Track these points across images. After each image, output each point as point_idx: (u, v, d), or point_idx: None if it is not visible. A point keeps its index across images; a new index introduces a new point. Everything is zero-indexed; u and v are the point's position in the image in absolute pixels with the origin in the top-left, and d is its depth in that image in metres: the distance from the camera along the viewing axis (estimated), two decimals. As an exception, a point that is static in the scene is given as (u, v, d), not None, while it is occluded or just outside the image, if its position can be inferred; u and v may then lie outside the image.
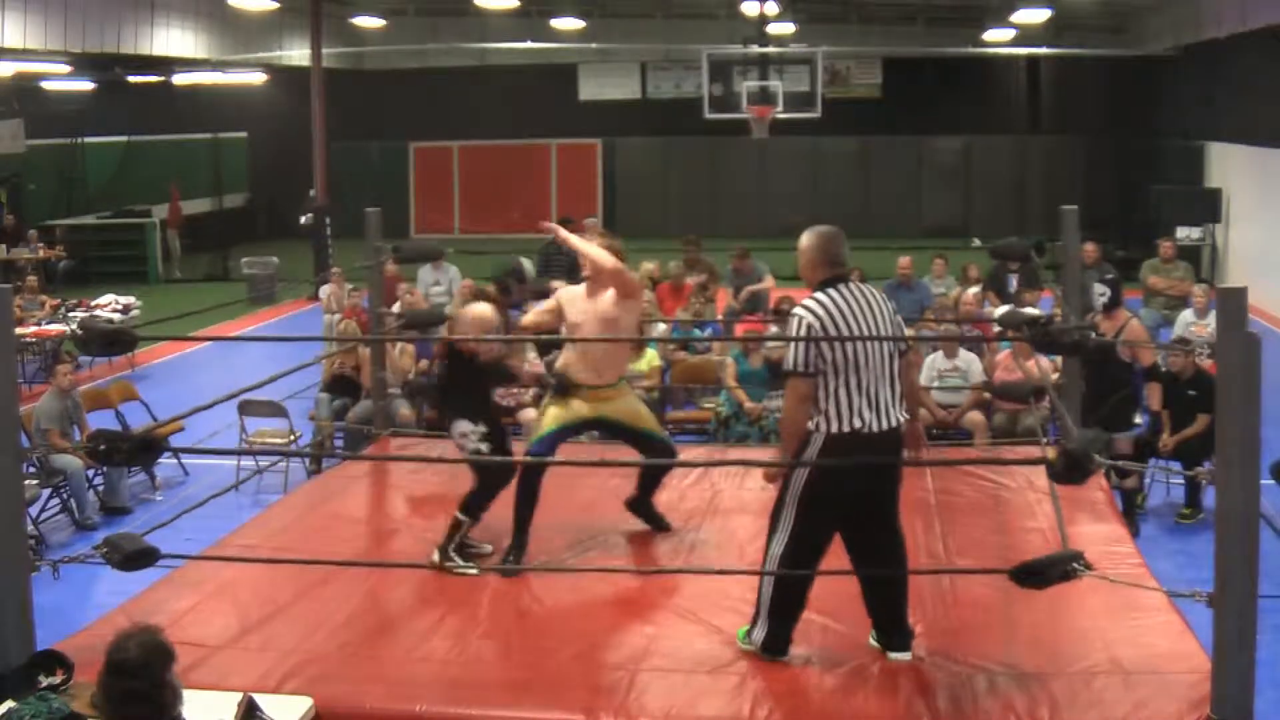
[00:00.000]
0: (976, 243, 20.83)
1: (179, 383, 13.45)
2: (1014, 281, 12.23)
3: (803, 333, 4.76)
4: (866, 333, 4.74)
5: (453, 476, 7.48)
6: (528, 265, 7.62)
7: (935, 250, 14.36)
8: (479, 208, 27.41)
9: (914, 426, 5.09)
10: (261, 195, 28.16)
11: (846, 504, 4.85)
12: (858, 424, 4.72)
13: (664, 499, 6.85)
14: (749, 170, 26.44)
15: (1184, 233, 18.70)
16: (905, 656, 4.93)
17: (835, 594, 5.33)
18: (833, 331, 4.73)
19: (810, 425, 4.79)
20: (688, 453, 7.79)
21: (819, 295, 4.84)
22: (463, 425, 6.05)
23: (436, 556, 5.93)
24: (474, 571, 5.91)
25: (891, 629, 4.99)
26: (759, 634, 4.98)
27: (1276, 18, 15.92)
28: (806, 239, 5.01)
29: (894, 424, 4.80)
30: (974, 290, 12.51)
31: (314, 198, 20.93)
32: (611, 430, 6.50)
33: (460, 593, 5.68)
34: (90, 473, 9.35)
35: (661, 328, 11.82)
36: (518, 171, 27.58)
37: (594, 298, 6.23)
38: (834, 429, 4.73)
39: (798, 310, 4.86)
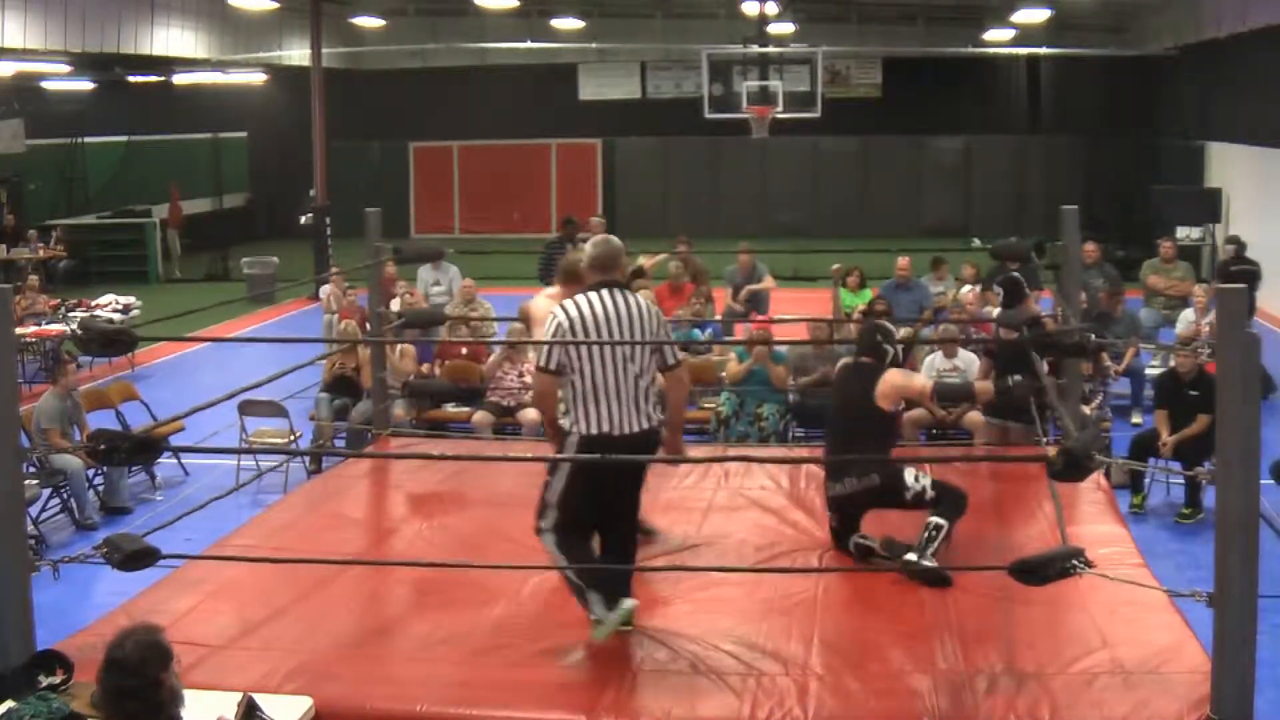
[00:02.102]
0: (976, 243, 20.82)
1: (179, 383, 13.45)
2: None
3: (552, 331, 5.04)
4: (601, 334, 4.95)
5: (453, 476, 7.50)
6: None
7: (935, 250, 14.36)
8: (479, 208, 27.41)
9: (673, 438, 5.40)
10: (261, 195, 28.17)
11: (598, 503, 5.13)
12: (605, 427, 4.97)
13: (664, 499, 6.86)
14: (749, 170, 26.44)
15: (1184, 233, 18.70)
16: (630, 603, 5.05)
17: (837, 594, 5.34)
18: (579, 334, 4.96)
19: (567, 425, 5.03)
20: (691, 451, 7.78)
21: (578, 298, 5.08)
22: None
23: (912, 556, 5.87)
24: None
25: (614, 587, 5.11)
26: (599, 610, 5.06)
27: (1276, 17, 15.92)
28: (588, 247, 5.28)
29: (642, 428, 5.00)
30: (968, 288, 12.51)
31: (314, 198, 20.93)
32: None
33: (460, 593, 5.67)
34: (90, 473, 9.35)
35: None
36: (518, 171, 27.58)
37: None
38: (584, 430, 5.00)
39: (554, 309, 5.13)
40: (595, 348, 4.94)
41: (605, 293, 5.07)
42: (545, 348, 5.04)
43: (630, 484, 5.25)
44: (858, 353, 6.40)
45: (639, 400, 5.01)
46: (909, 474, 5.94)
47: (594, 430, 4.99)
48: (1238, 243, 13.94)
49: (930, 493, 5.91)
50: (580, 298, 5.08)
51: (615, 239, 5.29)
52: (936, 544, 5.76)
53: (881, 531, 6.09)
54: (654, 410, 5.09)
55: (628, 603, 5.02)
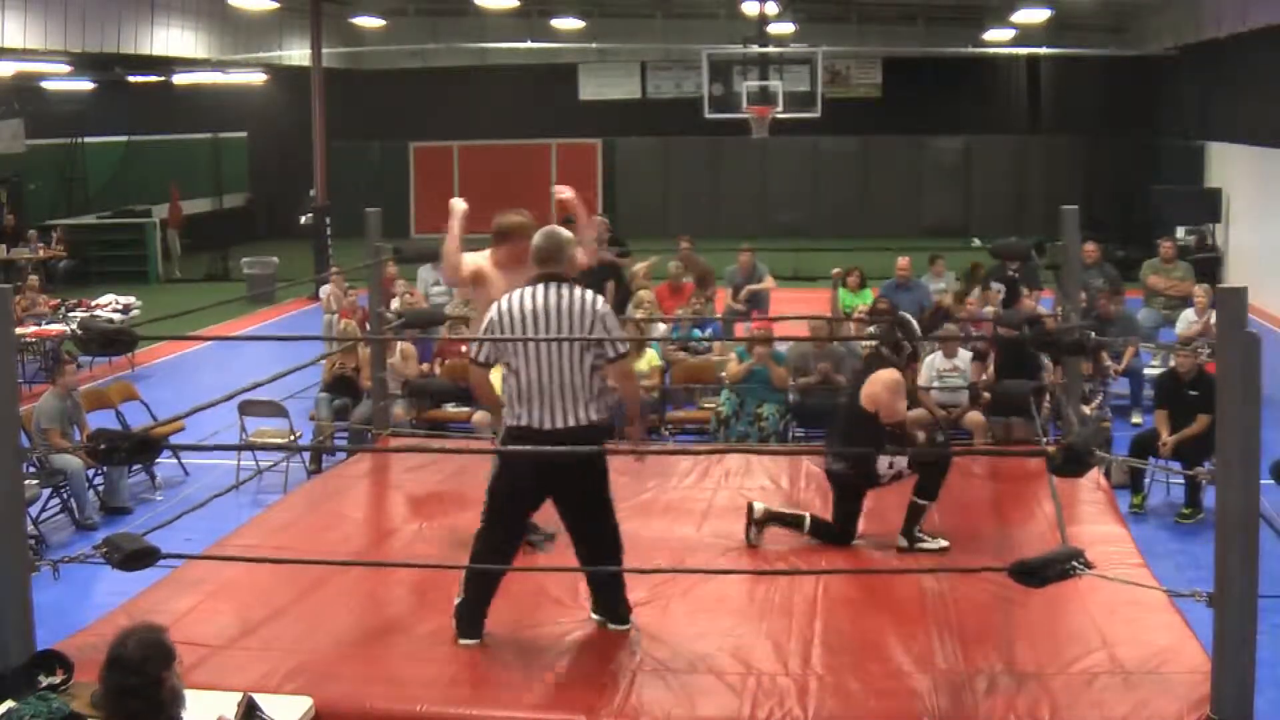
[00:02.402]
0: (976, 243, 20.82)
1: (179, 383, 13.45)
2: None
3: (485, 326, 5.17)
4: (536, 330, 4.96)
5: (453, 476, 7.50)
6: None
7: (935, 250, 14.36)
8: (479, 208, 27.03)
9: (631, 431, 5.50)
10: (261, 195, 28.16)
11: (528, 498, 5.19)
12: (526, 420, 5.01)
13: (664, 500, 6.86)
14: (749, 170, 26.43)
15: (1184, 232, 18.70)
16: (624, 628, 5.22)
17: (838, 594, 5.34)
18: (508, 329, 5.00)
19: (505, 415, 5.14)
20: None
21: (516, 292, 5.10)
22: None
23: (904, 542, 6.14)
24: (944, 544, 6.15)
25: (609, 605, 5.28)
26: (460, 625, 5.17)
27: (1276, 17, 15.92)
28: (535, 238, 5.28)
29: (571, 424, 4.97)
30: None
31: (314, 198, 20.93)
32: None
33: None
34: (90, 473, 9.35)
35: (661, 328, 11.82)
36: (518, 171, 27.53)
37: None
38: (510, 422, 5.07)
39: (493, 304, 5.21)
40: (526, 343, 4.96)
41: (542, 287, 5.05)
42: (478, 342, 5.18)
43: (567, 481, 5.11)
44: (879, 345, 6.50)
45: (570, 396, 4.96)
46: (883, 462, 6.12)
47: (520, 424, 5.02)
48: (1201, 233, 13.96)
49: (907, 472, 6.15)
50: (518, 292, 5.09)
51: (561, 230, 5.23)
52: (919, 521, 6.14)
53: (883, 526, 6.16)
54: (593, 406, 5.01)
55: (468, 642, 5.13)
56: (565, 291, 5.03)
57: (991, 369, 10.08)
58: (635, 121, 27.67)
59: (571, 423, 4.98)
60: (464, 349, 11.33)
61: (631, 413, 5.45)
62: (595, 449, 5.05)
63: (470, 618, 5.17)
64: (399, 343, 9.93)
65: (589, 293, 5.05)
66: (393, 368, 9.41)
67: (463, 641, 5.15)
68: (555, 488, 5.16)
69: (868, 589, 5.66)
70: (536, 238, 5.21)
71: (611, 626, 5.26)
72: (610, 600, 5.30)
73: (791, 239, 22.54)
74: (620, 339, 5.06)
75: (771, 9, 21.02)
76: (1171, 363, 11.56)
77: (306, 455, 10.18)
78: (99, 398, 10.70)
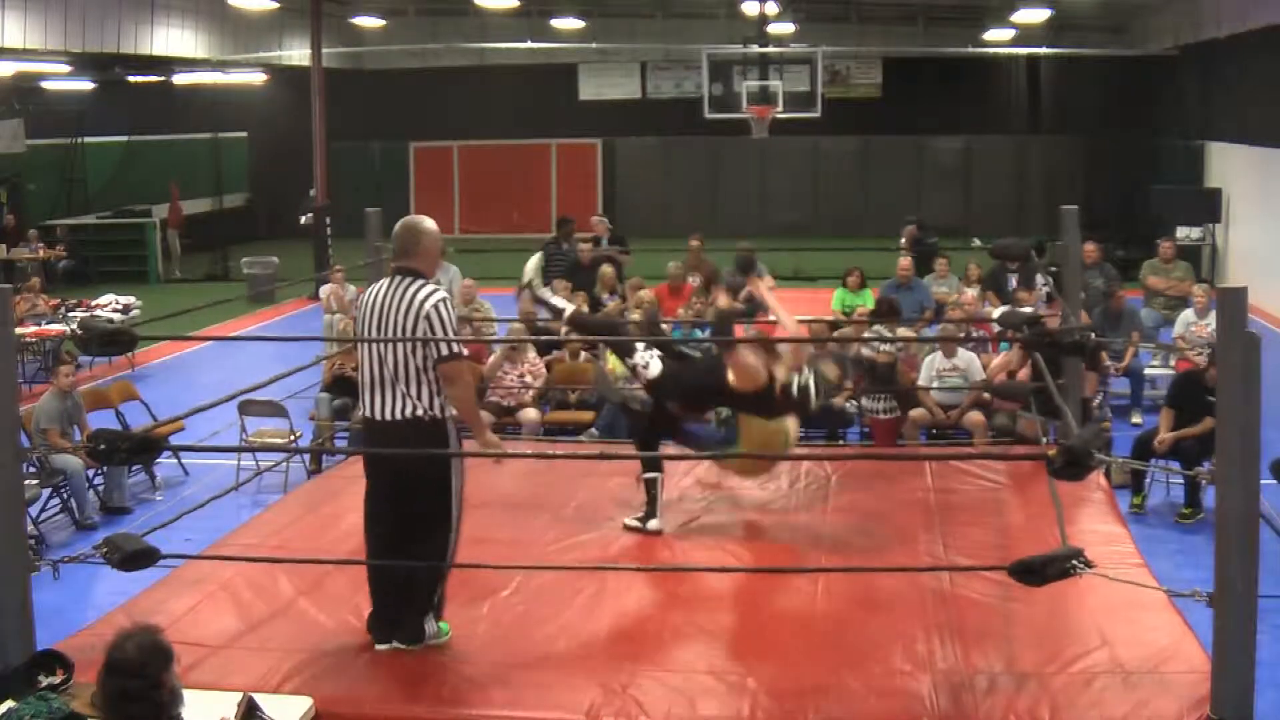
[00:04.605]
0: (976, 243, 20.82)
1: (179, 383, 13.45)
2: (1013, 281, 12.23)
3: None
4: (375, 330, 5.02)
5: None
6: None
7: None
8: (479, 208, 27.39)
9: (475, 433, 5.39)
10: (261, 195, 28.15)
11: (369, 487, 5.20)
12: (362, 411, 5.16)
13: (664, 500, 6.85)
14: (749, 170, 26.44)
15: (1184, 233, 18.69)
16: (386, 648, 5.10)
17: (838, 598, 5.33)
18: (359, 321, 5.14)
19: None
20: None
21: (374, 285, 5.22)
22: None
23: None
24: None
25: (382, 618, 5.15)
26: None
27: (1276, 17, 15.92)
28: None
29: (394, 417, 5.01)
30: (972, 291, 12.51)
31: (314, 198, 20.92)
32: None
33: (460, 592, 5.67)
34: (90, 473, 9.34)
35: (661, 328, 11.79)
36: (518, 171, 27.58)
37: None
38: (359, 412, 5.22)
39: None
40: (365, 337, 5.08)
41: (388, 282, 5.12)
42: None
43: (395, 477, 5.08)
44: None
45: (396, 390, 4.99)
46: None
47: (364, 413, 5.16)
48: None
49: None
50: (374, 285, 5.21)
51: (418, 222, 5.22)
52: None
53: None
54: (421, 403, 4.98)
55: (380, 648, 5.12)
56: (405, 286, 5.04)
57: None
58: (635, 121, 27.67)
59: (395, 416, 5.00)
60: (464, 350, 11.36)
61: (466, 418, 5.28)
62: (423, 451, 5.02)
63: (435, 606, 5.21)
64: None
65: (427, 289, 5.03)
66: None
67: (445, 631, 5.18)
68: (387, 482, 5.11)
69: (868, 589, 5.65)
70: (395, 229, 5.21)
71: (397, 645, 5.09)
72: (382, 608, 5.15)
73: (791, 239, 22.57)
74: (448, 340, 4.99)
75: (771, 9, 21.02)
76: (1173, 362, 11.58)
77: (306, 455, 10.18)
78: (99, 398, 10.70)
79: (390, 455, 5.05)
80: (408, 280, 5.06)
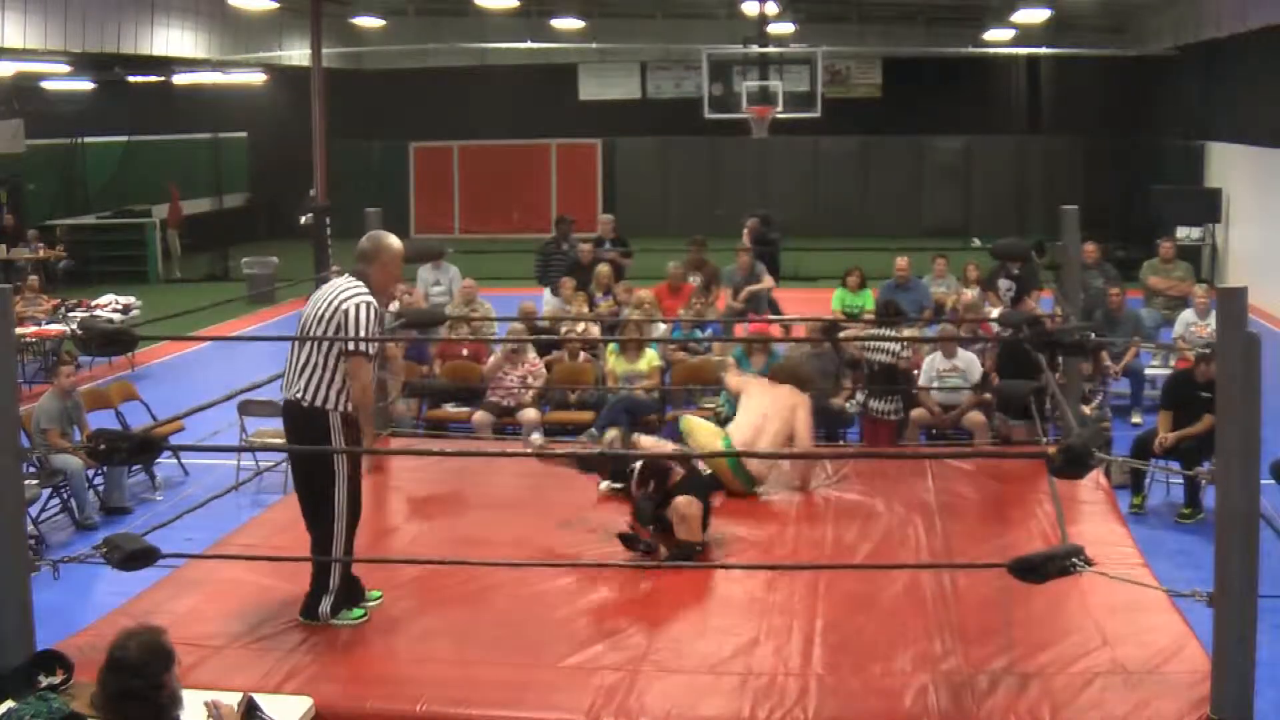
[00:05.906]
0: (976, 243, 20.82)
1: (179, 383, 13.44)
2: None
3: None
4: (308, 320, 5.37)
5: (453, 476, 7.50)
6: None
7: (935, 250, 14.35)
8: (479, 208, 27.40)
9: (363, 426, 5.55)
10: (261, 195, 28.15)
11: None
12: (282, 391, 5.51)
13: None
14: (749, 170, 26.43)
15: (1184, 233, 18.69)
16: (313, 622, 5.33)
17: (838, 597, 5.33)
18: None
19: None
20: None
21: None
22: None
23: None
24: None
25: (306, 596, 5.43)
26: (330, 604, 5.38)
27: (1276, 17, 15.91)
28: None
29: (289, 396, 5.37)
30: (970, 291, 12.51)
31: (314, 198, 20.91)
32: None
33: (460, 592, 5.68)
34: (90, 473, 9.34)
35: (661, 328, 11.81)
36: (518, 171, 27.58)
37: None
38: None
39: None
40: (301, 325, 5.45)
41: (331, 281, 5.50)
42: None
43: (295, 451, 5.54)
44: None
45: (297, 373, 5.33)
46: None
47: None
48: None
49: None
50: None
51: (382, 237, 5.58)
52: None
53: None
54: (319, 390, 5.28)
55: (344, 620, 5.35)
56: (341, 286, 5.38)
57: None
58: (635, 121, 27.67)
59: (292, 395, 5.36)
60: (464, 350, 11.36)
61: (360, 415, 5.49)
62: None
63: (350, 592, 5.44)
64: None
65: (353, 290, 5.34)
66: (394, 367, 9.40)
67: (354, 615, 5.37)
68: (292, 462, 5.63)
69: (868, 589, 5.65)
70: (361, 239, 5.60)
71: (299, 619, 5.37)
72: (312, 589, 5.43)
73: (791, 239, 22.55)
74: (353, 339, 5.25)
75: (771, 9, 21.02)
76: (1172, 362, 11.57)
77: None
78: (99, 398, 10.69)
79: (289, 439, 5.52)
80: (347, 281, 5.42)
